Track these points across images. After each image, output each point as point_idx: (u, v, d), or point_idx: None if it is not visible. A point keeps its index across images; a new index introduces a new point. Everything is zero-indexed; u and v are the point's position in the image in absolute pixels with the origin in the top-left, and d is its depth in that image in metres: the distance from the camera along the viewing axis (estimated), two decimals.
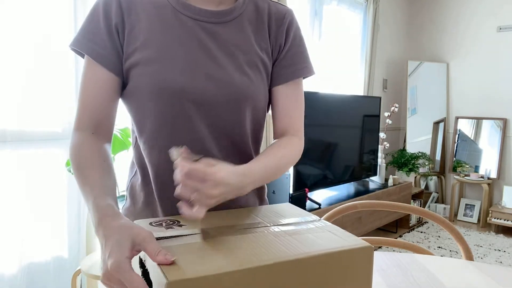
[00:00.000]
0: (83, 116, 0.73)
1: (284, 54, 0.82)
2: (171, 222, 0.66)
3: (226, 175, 0.60)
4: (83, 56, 0.75)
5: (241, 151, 0.80)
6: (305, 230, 0.65)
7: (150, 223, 0.66)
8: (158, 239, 0.57)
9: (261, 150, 0.88)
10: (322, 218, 1.19)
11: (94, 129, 0.73)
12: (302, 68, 0.83)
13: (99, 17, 0.72)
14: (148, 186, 0.79)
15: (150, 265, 0.54)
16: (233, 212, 0.73)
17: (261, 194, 0.89)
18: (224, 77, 0.74)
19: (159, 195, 0.77)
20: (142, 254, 0.59)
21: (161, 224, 0.65)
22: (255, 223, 0.67)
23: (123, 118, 1.98)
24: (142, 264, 0.60)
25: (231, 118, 0.76)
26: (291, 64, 0.82)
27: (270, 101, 0.85)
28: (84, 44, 0.72)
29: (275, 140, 0.83)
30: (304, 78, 0.86)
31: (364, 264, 0.59)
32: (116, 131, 1.81)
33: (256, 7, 0.82)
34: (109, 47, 0.72)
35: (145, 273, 0.58)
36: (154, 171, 0.76)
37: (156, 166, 0.76)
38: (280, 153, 0.77)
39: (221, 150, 0.77)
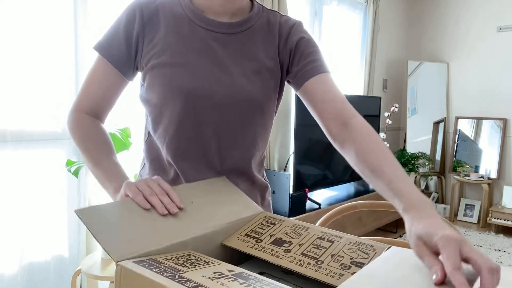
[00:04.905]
0: (85, 102, 0.82)
1: (300, 54, 0.83)
2: None
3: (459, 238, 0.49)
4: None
5: (242, 153, 0.85)
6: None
7: None
8: None
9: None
10: (322, 219, 1.19)
11: (94, 115, 0.83)
12: (323, 64, 0.83)
13: (120, 25, 0.80)
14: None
15: None
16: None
17: (264, 193, 0.93)
18: (230, 82, 0.79)
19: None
20: None
21: None
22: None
23: (123, 118, 1.98)
24: None
25: (237, 119, 0.81)
26: (312, 61, 0.83)
27: (307, 99, 0.82)
28: (103, 48, 0.80)
29: (355, 149, 0.70)
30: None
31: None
32: (116, 131, 1.81)
33: (268, 20, 0.86)
34: (123, 50, 0.80)
35: None
36: (162, 163, 0.85)
37: (165, 157, 0.84)
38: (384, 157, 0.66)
39: (223, 149, 0.83)
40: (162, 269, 0.50)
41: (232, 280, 0.47)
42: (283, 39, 0.85)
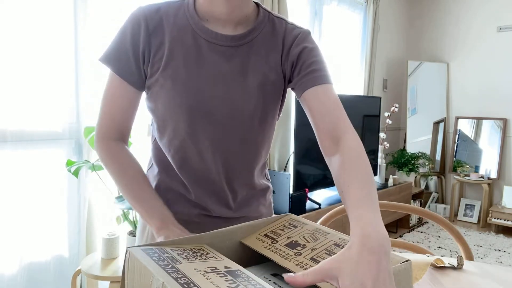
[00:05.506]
0: (111, 127, 0.82)
1: (301, 64, 0.81)
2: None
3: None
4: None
5: (245, 166, 0.86)
6: None
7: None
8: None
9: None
10: (322, 219, 1.19)
11: (121, 138, 0.84)
12: (324, 75, 0.81)
13: (126, 36, 0.79)
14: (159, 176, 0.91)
15: None
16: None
17: (265, 194, 0.94)
18: (232, 99, 0.79)
19: (169, 186, 0.88)
20: None
21: None
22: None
23: None
24: None
25: (239, 135, 0.82)
26: (313, 71, 0.80)
27: (305, 109, 0.81)
28: (112, 61, 0.80)
29: (338, 164, 0.68)
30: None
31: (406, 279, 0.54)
32: None
33: (273, 28, 0.84)
34: (132, 63, 0.79)
35: None
36: (169, 167, 0.87)
37: (171, 164, 0.86)
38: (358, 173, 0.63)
39: (226, 164, 0.84)
40: (162, 258, 0.50)
41: (220, 276, 0.48)
42: (286, 49, 0.83)
